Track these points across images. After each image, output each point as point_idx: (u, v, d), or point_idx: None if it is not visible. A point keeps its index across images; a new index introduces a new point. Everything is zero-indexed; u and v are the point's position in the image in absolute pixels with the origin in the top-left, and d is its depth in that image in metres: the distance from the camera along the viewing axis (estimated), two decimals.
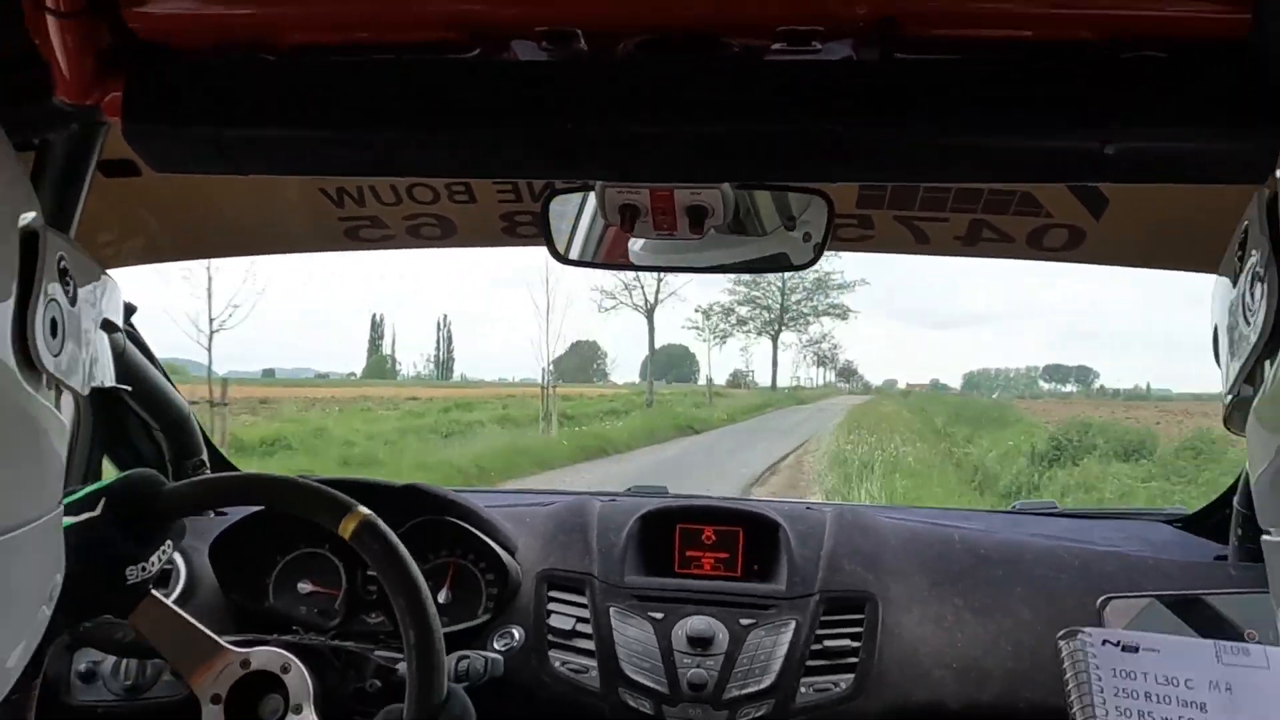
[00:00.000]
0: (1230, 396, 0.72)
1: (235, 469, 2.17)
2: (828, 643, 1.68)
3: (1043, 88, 0.92)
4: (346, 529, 1.20)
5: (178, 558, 1.82)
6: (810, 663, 1.67)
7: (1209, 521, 2.04)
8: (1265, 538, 0.68)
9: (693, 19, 0.96)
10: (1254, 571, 1.75)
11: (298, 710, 1.30)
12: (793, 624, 1.70)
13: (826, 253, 1.39)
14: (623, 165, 1.03)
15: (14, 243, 0.68)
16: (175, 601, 1.74)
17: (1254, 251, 0.66)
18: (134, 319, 1.81)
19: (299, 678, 1.31)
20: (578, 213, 1.42)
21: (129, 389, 1.83)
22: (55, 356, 0.71)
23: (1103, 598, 1.56)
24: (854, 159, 0.99)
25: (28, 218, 0.69)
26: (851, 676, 1.65)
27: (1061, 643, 1.41)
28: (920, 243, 1.69)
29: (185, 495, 1.26)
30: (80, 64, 0.96)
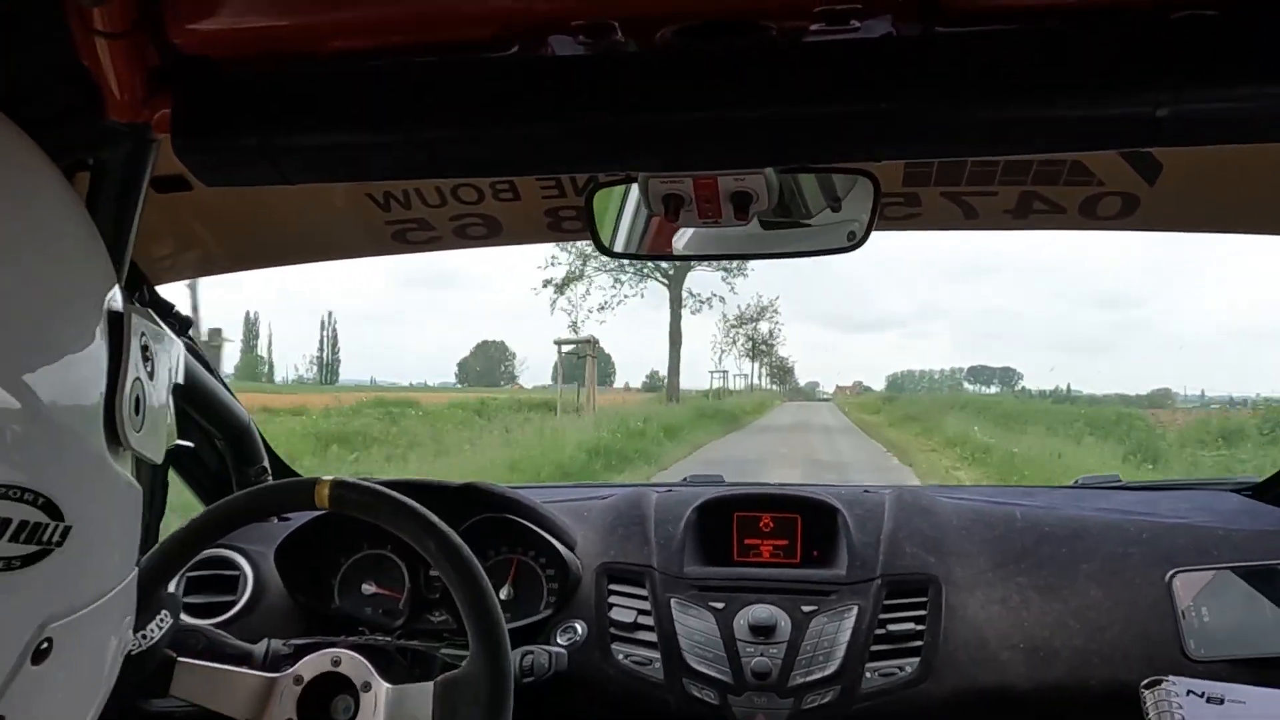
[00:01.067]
0: None
1: (296, 474, 2.21)
2: (891, 627, 1.67)
3: (1090, 53, 0.90)
4: (323, 500, 1.22)
5: (244, 563, 1.86)
6: (874, 648, 1.66)
7: (1278, 489, 1.99)
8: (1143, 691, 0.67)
9: (729, 4, 0.96)
10: None
11: (366, 688, 1.32)
12: (855, 609, 1.69)
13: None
14: (665, 155, 1.02)
15: (103, 326, 0.70)
16: (243, 607, 1.80)
17: None
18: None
19: (354, 664, 1.34)
20: (621, 204, 1.42)
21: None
22: (138, 433, 0.73)
23: (1171, 571, 1.53)
24: (898, 137, 0.97)
25: (113, 297, 0.71)
26: (917, 660, 1.64)
27: (1145, 692, 1.39)
28: (969, 218, 1.66)
29: (155, 565, 1.27)
30: (129, 83, 0.98)
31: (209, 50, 1.01)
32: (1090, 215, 1.61)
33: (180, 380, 0.88)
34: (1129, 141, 0.98)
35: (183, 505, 2.03)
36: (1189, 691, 1.36)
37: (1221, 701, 1.35)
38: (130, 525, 0.76)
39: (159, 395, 0.80)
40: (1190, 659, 1.52)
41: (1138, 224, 1.63)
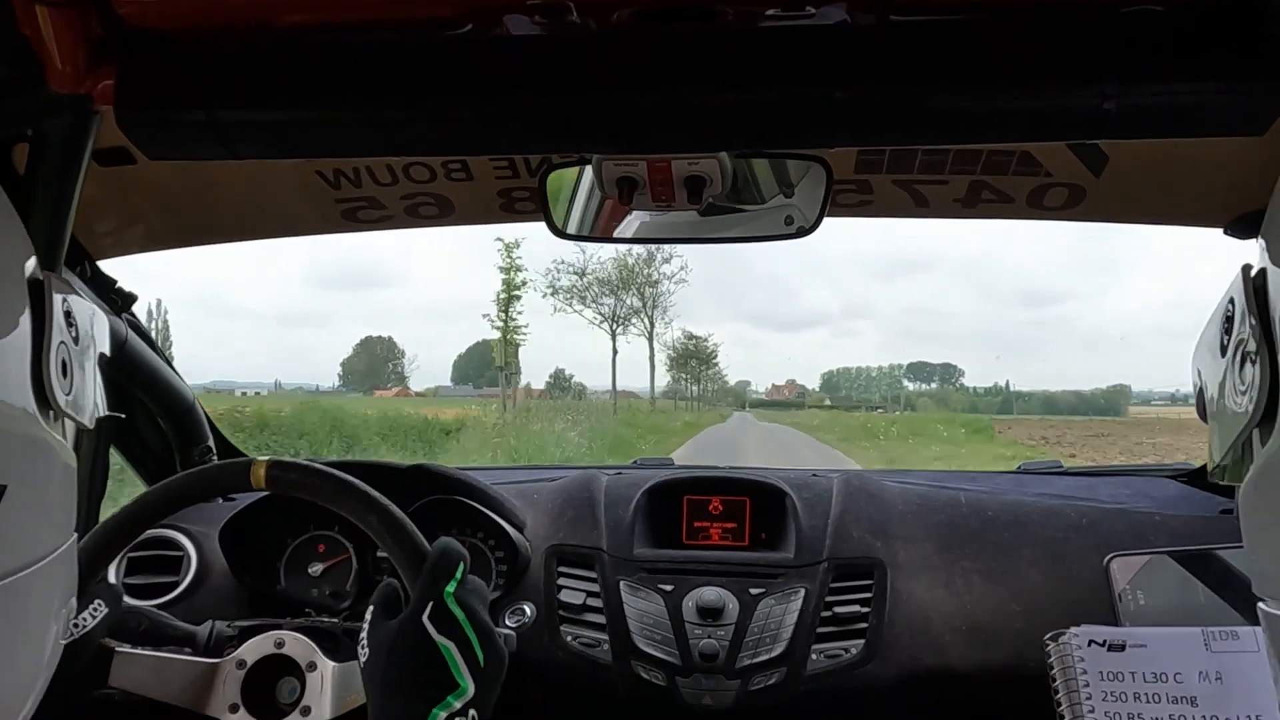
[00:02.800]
0: (1221, 458, 0.74)
1: (241, 454, 2.18)
2: (837, 609, 1.69)
3: (1041, 45, 0.92)
4: (259, 480, 1.21)
5: (187, 543, 1.83)
6: (821, 629, 1.68)
7: None
8: (1261, 606, 0.69)
9: None
10: None
11: (311, 668, 1.31)
12: (802, 592, 1.70)
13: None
14: (619, 138, 1.02)
15: (24, 293, 0.70)
16: (187, 588, 1.77)
17: (1244, 329, 0.67)
18: None
19: (298, 644, 1.33)
20: (575, 187, 1.42)
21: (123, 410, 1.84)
22: (67, 395, 0.74)
23: (1109, 555, 1.56)
24: (851, 124, 0.98)
25: (30, 266, 0.71)
26: (862, 642, 1.66)
27: (1050, 645, 1.42)
28: (920, 206, 1.68)
29: (92, 548, 1.24)
30: (72, 53, 0.95)
31: (155, 21, 0.98)
32: (1038, 205, 1.63)
33: (107, 350, 0.87)
34: (1076, 133, 0.99)
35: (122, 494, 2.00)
36: (1090, 641, 1.38)
37: (1123, 648, 1.37)
38: (65, 493, 0.75)
39: (85, 359, 0.80)
40: None
41: (1084, 214, 1.66)
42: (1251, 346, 0.66)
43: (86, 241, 1.66)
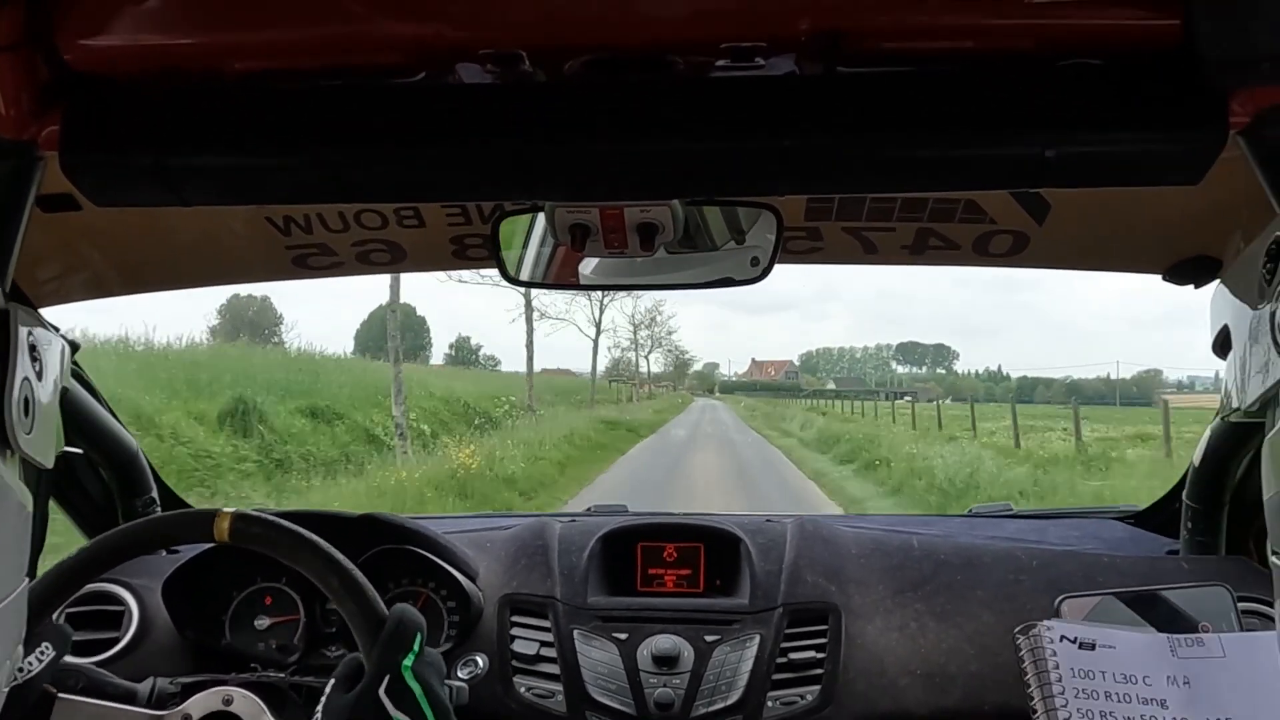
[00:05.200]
0: (1246, 403, 0.73)
1: (186, 505, 2.13)
2: (793, 655, 1.68)
3: (984, 97, 0.94)
4: (222, 533, 1.19)
5: (128, 597, 1.78)
6: (776, 676, 1.67)
7: (1159, 517, 2.08)
8: (1273, 559, 0.69)
9: (637, 39, 0.97)
10: (1205, 565, 1.79)
11: None
12: (757, 638, 1.70)
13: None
14: (571, 185, 1.03)
15: None
16: (127, 645, 1.72)
17: None
18: None
19: (246, 702, 1.30)
20: (528, 233, 1.42)
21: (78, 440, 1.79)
22: (28, 435, 0.71)
23: (1060, 597, 1.58)
24: (800, 172, 1.00)
25: None
26: (818, 688, 1.65)
27: (1020, 638, 1.42)
28: (869, 253, 1.71)
29: (39, 595, 1.20)
30: (15, 98, 0.94)
31: (103, 67, 0.97)
32: (983, 253, 1.67)
33: (66, 385, 0.85)
34: (1019, 181, 1.02)
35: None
36: (1062, 637, 1.39)
37: (1093, 647, 1.39)
38: (19, 538, 0.72)
39: (47, 395, 0.77)
40: None
41: (1028, 261, 1.69)
42: None
43: (28, 288, 1.63)
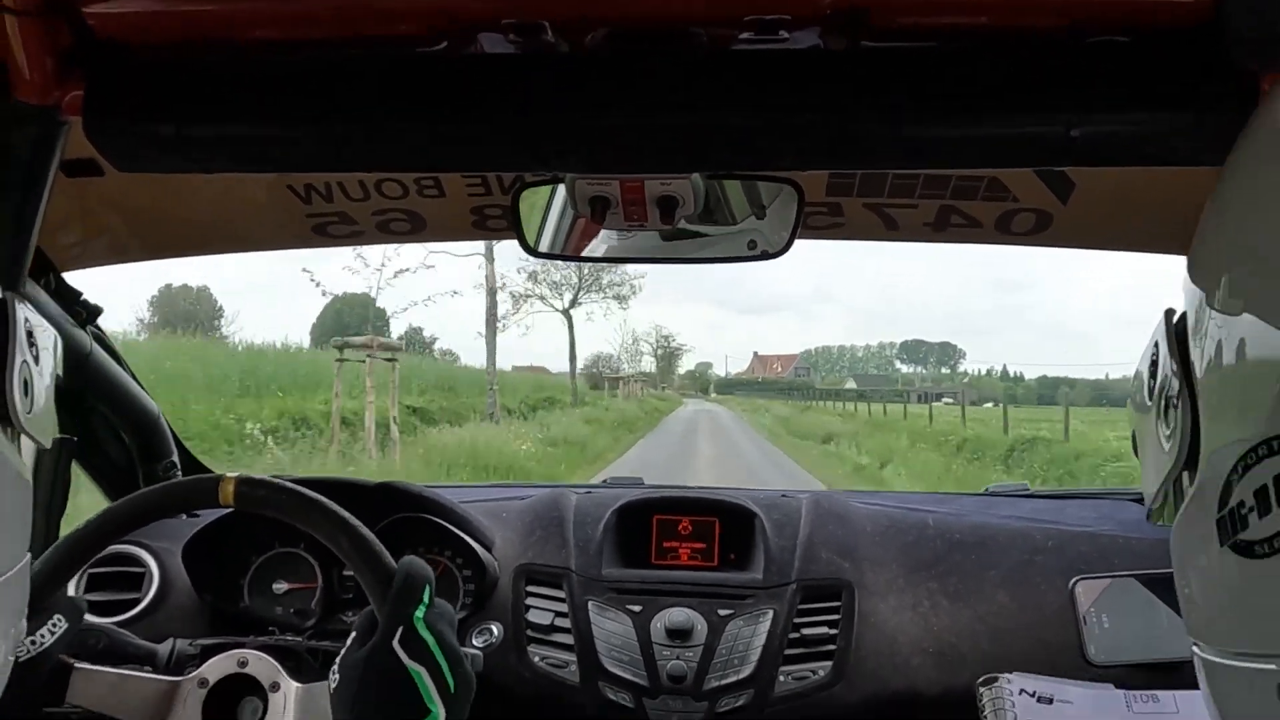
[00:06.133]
0: (1153, 500, 0.75)
1: (207, 470, 2.15)
2: (805, 631, 1.69)
3: (1009, 74, 0.93)
4: (228, 497, 1.20)
5: (149, 560, 1.80)
6: (789, 651, 1.68)
7: None
8: (1195, 650, 0.70)
9: (660, 10, 0.96)
10: None
11: (275, 689, 1.30)
12: (770, 613, 1.70)
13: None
14: (592, 157, 1.02)
15: None
16: (148, 606, 1.75)
17: (1167, 375, 0.69)
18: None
19: (261, 664, 1.31)
20: (548, 205, 1.42)
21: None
22: (28, 415, 0.73)
23: (1074, 578, 1.58)
24: (822, 147, 0.99)
25: None
26: (830, 664, 1.66)
27: (982, 689, 1.46)
28: (890, 229, 1.69)
29: (52, 564, 1.21)
30: (40, 63, 0.94)
31: (125, 33, 0.98)
32: (1005, 230, 1.65)
33: (60, 371, 0.86)
34: (1043, 159, 1.01)
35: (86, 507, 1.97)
36: (1021, 690, 1.43)
37: (1051, 701, 1.42)
38: (20, 512, 0.74)
39: (45, 379, 0.79)
40: (1090, 663, 1.57)
41: (1050, 240, 1.68)
42: (1174, 390, 0.67)
43: (52, 254, 1.64)
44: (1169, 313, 0.70)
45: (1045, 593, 1.70)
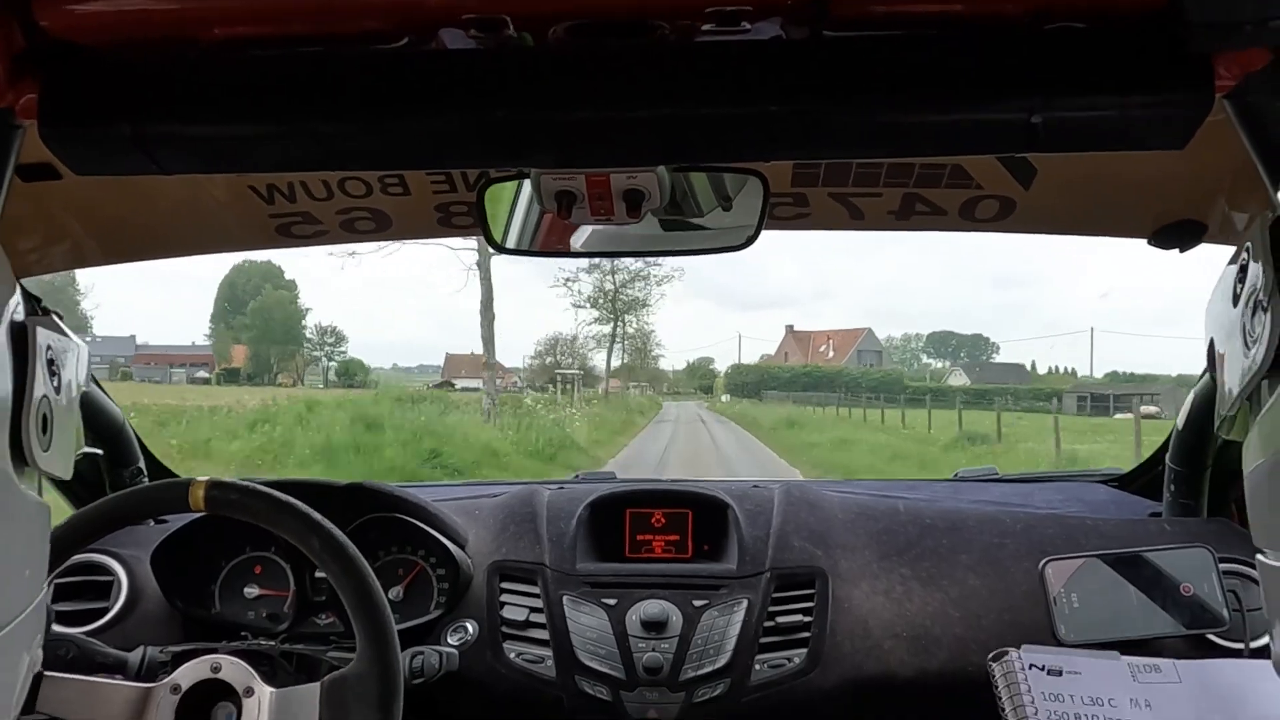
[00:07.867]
0: (1229, 408, 0.73)
1: (173, 475, 2.13)
2: (780, 619, 1.70)
3: (970, 61, 0.94)
4: (198, 501, 1.19)
5: (118, 568, 1.78)
6: (764, 640, 1.69)
7: (1142, 480, 2.10)
8: (1260, 558, 0.69)
9: (622, 3, 0.96)
10: (1188, 526, 1.81)
11: (249, 694, 1.29)
12: (745, 603, 1.71)
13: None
14: (557, 152, 1.02)
15: (4, 340, 0.66)
16: (117, 614, 1.73)
17: (1257, 277, 0.66)
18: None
19: (235, 669, 1.30)
20: (513, 201, 1.41)
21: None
22: (45, 452, 0.70)
23: (1044, 560, 1.60)
24: (785, 138, 0.99)
25: (14, 307, 0.67)
26: (805, 651, 1.67)
27: (993, 665, 1.49)
28: (855, 218, 1.70)
29: None
30: None
31: (79, 34, 0.96)
32: (969, 217, 1.67)
33: (85, 386, 0.84)
34: (1005, 146, 1.02)
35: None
36: (1030, 665, 1.46)
37: (1060, 673, 1.46)
38: (39, 544, 0.72)
39: (66, 409, 0.76)
40: (1061, 643, 1.59)
41: (1014, 226, 1.69)
42: (1264, 295, 0.65)
43: (9, 259, 1.61)
44: (1266, 215, 0.67)
45: (1015, 575, 1.72)
